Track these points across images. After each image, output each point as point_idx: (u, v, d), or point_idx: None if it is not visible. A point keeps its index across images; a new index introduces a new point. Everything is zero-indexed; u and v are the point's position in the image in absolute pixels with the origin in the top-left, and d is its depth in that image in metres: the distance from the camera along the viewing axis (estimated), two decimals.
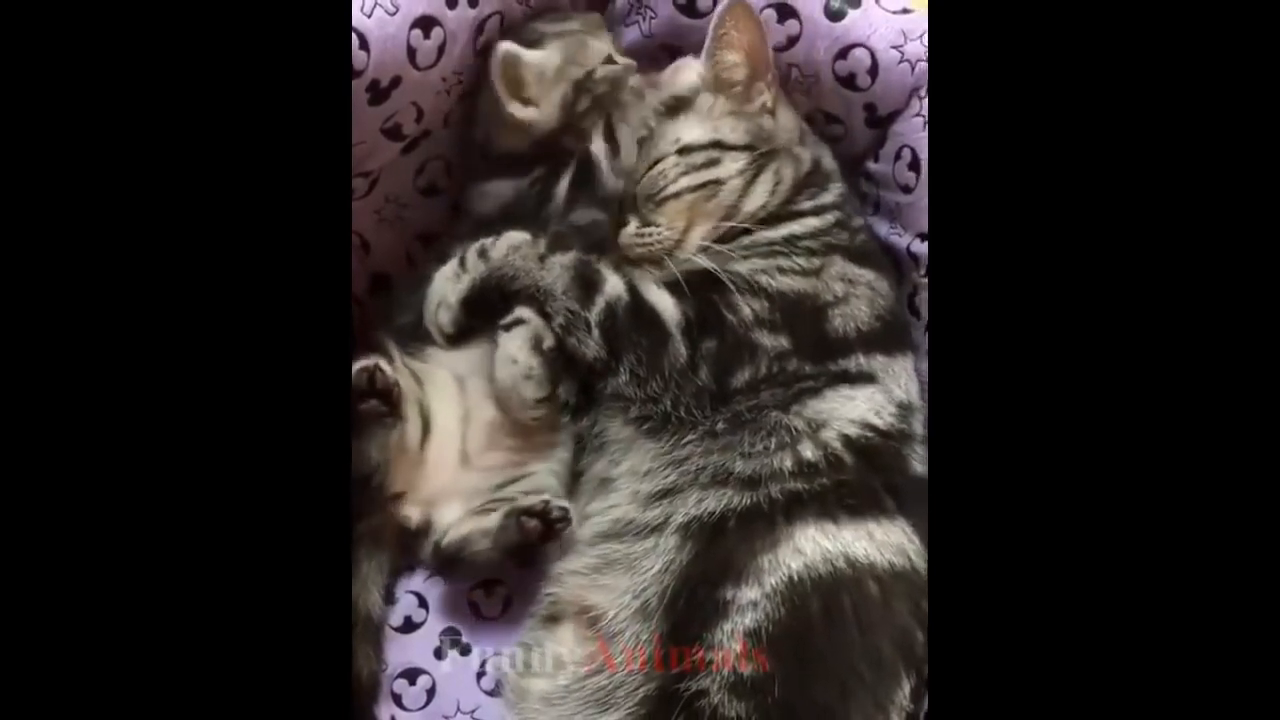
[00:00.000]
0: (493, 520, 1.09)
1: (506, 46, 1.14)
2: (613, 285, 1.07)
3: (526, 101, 1.18)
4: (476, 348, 1.15)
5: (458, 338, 1.14)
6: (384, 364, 1.09)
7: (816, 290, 1.06)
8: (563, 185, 1.19)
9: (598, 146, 1.18)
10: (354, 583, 1.12)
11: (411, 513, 1.15)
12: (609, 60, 1.20)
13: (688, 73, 1.16)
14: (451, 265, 1.13)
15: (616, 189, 1.17)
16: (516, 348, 1.08)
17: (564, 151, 1.21)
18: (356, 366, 1.06)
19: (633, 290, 1.07)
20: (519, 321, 1.09)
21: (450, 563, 1.13)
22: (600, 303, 1.06)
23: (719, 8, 1.14)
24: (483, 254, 1.11)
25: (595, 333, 1.05)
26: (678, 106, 1.14)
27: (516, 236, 1.12)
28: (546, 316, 1.08)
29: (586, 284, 1.07)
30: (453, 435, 1.17)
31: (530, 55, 1.16)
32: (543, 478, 1.15)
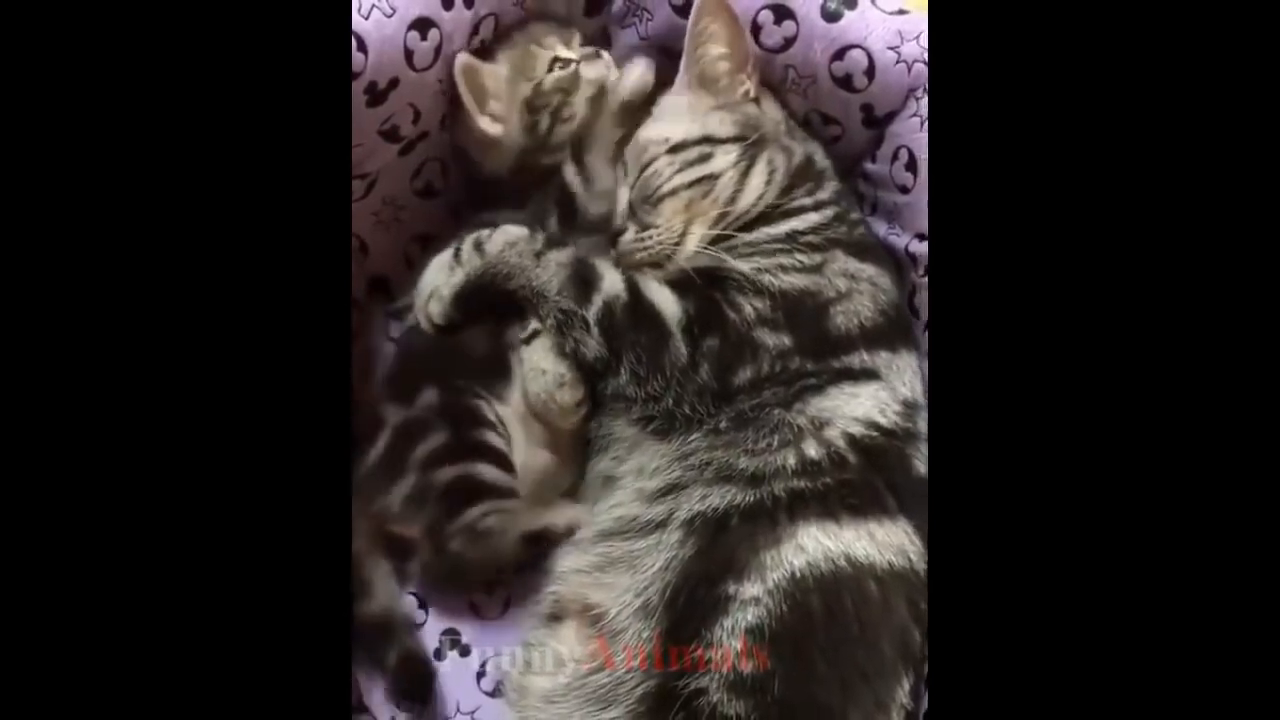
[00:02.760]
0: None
1: (462, 58, 1.14)
2: (611, 283, 1.07)
3: (494, 117, 1.20)
4: None
5: (447, 329, 1.14)
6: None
7: (819, 287, 1.06)
8: (551, 222, 1.19)
9: (570, 174, 1.18)
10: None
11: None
12: (555, 64, 1.20)
13: (633, 72, 1.16)
14: (446, 255, 1.13)
15: (600, 212, 1.17)
16: (541, 357, 1.09)
17: (551, 172, 1.21)
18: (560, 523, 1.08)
19: (632, 288, 1.07)
20: (536, 332, 1.10)
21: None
22: (598, 301, 1.05)
23: (695, 4, 1.14)
24: (478, 247, 1.11)
25: (595, 331, 1.05)
26: (629, 111, 1.13)
27: (513, 232, 1.12)
28: (540, 318, 1.09)
29: (584, 282, 1.07)
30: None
31: (486, 66, 1.18)
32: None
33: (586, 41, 1.27)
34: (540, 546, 1.07)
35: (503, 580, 1.21)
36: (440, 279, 1.12)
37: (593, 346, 1.05)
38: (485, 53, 1.20)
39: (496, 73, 1.19)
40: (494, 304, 1.11)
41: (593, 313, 1.05)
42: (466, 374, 1.14)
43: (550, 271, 1.08)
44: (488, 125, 1.19)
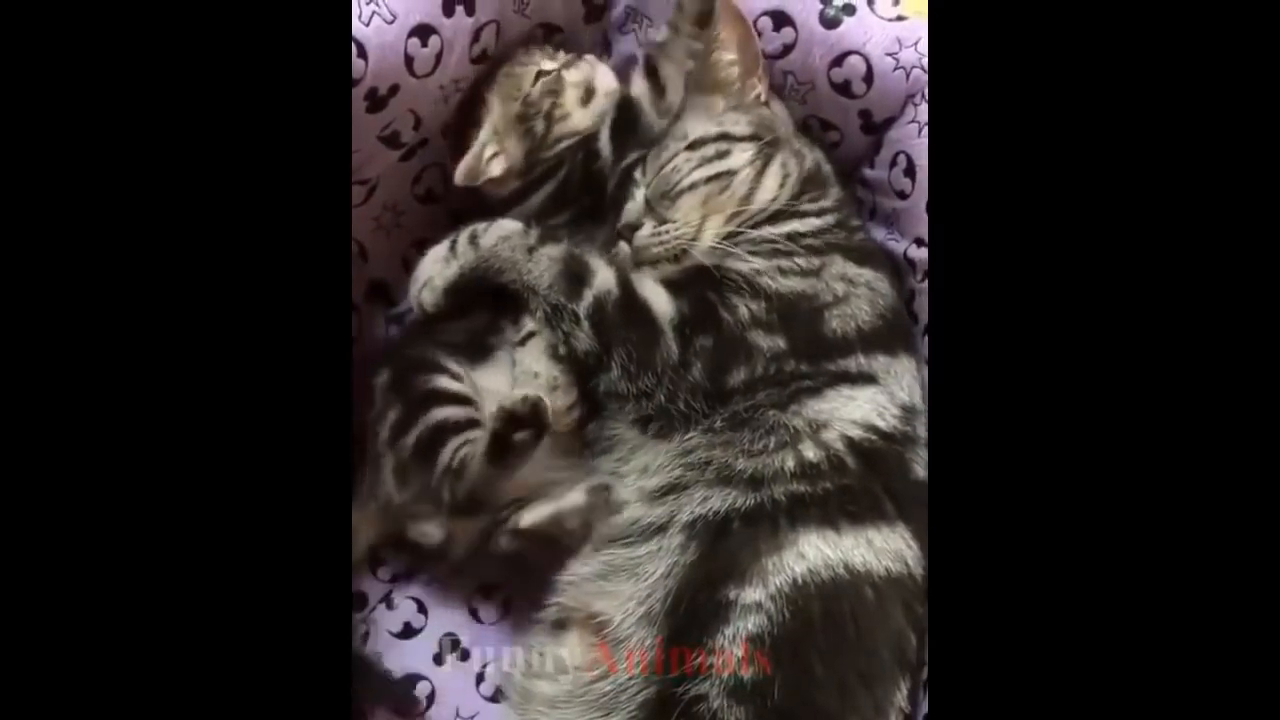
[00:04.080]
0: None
1: (458, 174, 1.18)
2: (603, 279, 1.07)
3: (493, 156, 1.20)
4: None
5: (439, 317, 1.15)
6: (545, 397, 1.06)
7: (816, 291, 1.06)
8: (604, 138, 1.19)
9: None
10: None
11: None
12: (539, 76, 1.21)
13: None
14: (443, 247, 1.14)
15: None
16: (534, 360, 1.10)
17: (555, 168, 1.22)
18: (517, 395, 1.04)
19: (624, 284, 1.07)
20: (531, 335, 1.10)
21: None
22: (589, 296, 1.06)
23: None
24: (473, 240, 1.12)
25: (585, 325, 1.05)
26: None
27: (508, 226, 1.13)
28: (530, 312, 1.09)
29: (574, 277, 1.07)
30: None
31: (481, 137, 1.19)
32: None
33: (578, 50, 1.27)
34: (507, 460, 1.05)
35: (500, 584, 1.21)
36: (435, 270, 1.13)
37: (582, 340, 1.06)
38: (476, 98, 1.22)
39: (487, 132, 1.20)
40: (487, 296, 1.13)
41: (583, 307, 1.06)
42: (419, 345, 1.15)
43: (542, 266, 1.08)
44: (493, 167, 1.20)
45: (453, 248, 1.13)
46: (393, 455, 1.11)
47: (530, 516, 1.09)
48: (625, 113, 1.19)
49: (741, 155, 1.12)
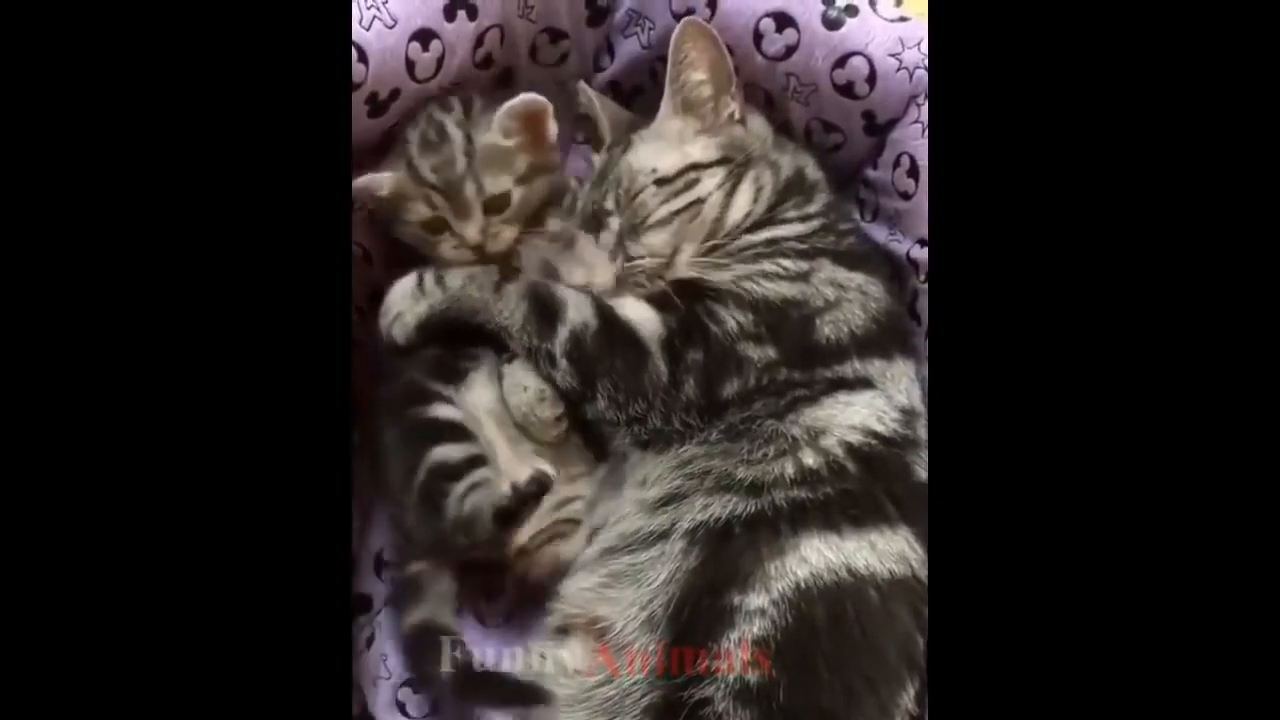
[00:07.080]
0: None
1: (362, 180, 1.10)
2: (576, 311, 1.06)
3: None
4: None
5: (409, 350, 1.14)
6: (548, 469, 1.05)
7: (805, 296, 1.05)
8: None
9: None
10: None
11: None
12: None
13: None
14: (410, 281, 1.12)
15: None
16: (523, 374, 1.09)
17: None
18: (526, 477, 1.03)
19: (603, 313, 1.06)
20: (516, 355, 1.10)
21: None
22: (563, 333, 1.05)
23: (674, 32, 1.14)
24: (440, 281, 1.11)
25: (562, 363, 1.05)
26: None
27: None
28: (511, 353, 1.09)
29: (544, 315, 1.06)
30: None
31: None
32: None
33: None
34: (516, 519, 1.04)
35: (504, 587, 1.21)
36: (405, 305, 1.12)
37: (562, 379, 1.06)
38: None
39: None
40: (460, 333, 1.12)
41: (558, 345, 1.05)
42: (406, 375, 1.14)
43: (512, 305, 1.08)
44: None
45: (420, 285, 1.12)
46: (399, 504, 1.11)
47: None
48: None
49: (710, 180, 1.12)
